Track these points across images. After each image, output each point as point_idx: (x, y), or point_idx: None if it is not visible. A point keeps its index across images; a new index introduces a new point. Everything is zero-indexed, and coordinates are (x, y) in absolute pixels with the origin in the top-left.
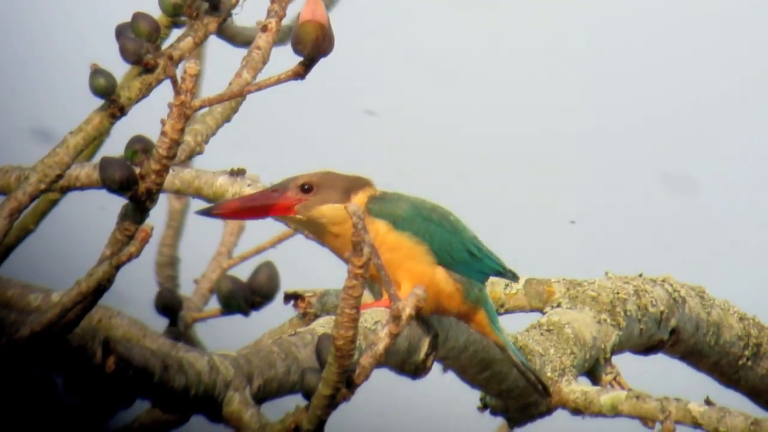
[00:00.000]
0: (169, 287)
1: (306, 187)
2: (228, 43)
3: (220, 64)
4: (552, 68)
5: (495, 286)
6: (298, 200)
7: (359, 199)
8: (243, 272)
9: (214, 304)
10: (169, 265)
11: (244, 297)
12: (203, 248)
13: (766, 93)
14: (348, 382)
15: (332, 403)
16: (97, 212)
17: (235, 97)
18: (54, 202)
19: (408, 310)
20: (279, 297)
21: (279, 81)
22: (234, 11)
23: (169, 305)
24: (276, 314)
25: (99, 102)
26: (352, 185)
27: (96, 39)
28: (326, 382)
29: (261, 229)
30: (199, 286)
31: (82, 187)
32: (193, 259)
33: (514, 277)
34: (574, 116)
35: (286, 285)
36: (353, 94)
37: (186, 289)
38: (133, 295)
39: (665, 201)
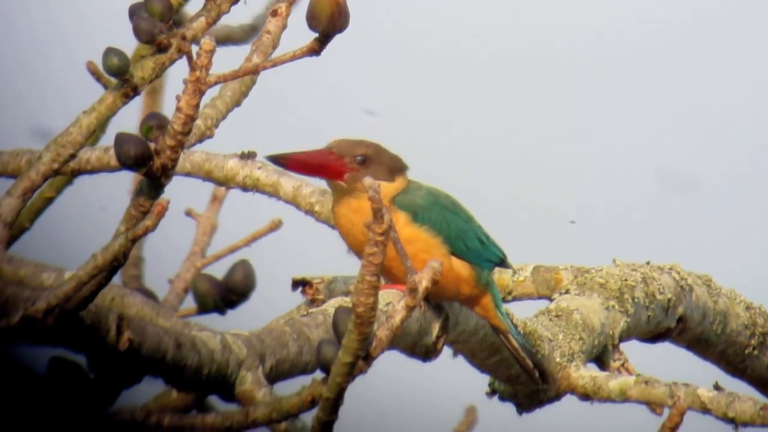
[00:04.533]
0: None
1: (360, 159)
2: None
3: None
4: (552, 68)
5: (503, 273)
6: (351, 169)
7: (397, 185)
8: (216, 272)
9: (188, 304)
10: (133, 264)
11: (221, 296)
12: (173, 248)
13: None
14: (365, 355)
15: (351, 371)
16: (93, 210)
17: (250, 73)
18: (49, 200)
19: (424, 283)
20: (264, 291)
21: (294, 57)
22: None
23: None
24: (253, 312)
25: None
26: (396, 166)
27: (97, 38)
28: (346, 350)
29: (233, 229)
30: (173, 286)
31: (93, 171)
32: (162, 258)
33: (510, 269)
34: (574, 115)
35: (285, 272)
36: (353, 94)
37: (158, 288)
38: None
39: (667, 198)
